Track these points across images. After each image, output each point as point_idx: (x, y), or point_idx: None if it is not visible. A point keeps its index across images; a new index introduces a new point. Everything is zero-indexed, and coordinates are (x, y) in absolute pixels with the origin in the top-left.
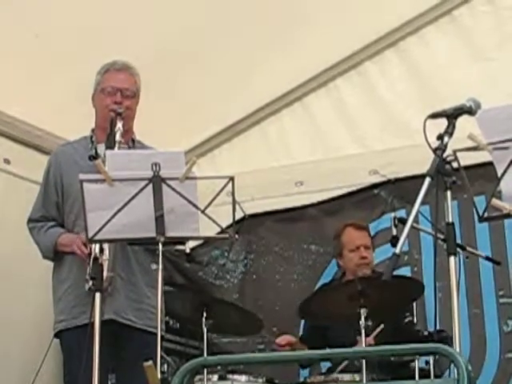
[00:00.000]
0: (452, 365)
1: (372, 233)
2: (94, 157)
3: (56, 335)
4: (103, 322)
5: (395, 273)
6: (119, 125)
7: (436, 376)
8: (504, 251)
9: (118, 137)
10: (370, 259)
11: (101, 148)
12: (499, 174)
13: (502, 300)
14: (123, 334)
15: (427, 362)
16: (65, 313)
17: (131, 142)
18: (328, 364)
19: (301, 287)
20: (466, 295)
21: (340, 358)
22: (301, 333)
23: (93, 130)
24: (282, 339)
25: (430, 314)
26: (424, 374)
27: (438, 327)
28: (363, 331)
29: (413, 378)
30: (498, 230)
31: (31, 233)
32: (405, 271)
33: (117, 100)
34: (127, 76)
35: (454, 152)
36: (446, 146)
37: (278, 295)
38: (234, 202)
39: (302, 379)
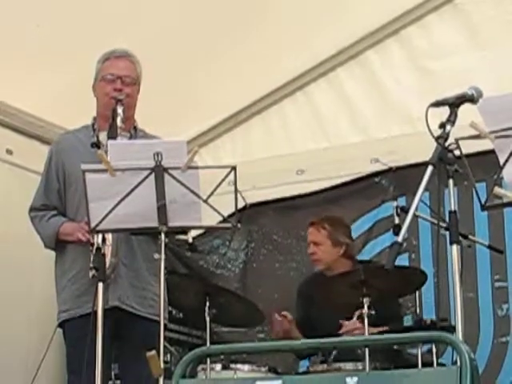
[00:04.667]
0: (455, 352)
1: (371, 222)
2: (96, 144)
3: (59, 325)
4: (107, 310)
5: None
6: (119, 110)
7: (428, 364)
8: (502, 237)
9: (119, 122)
10: (318, 255)
11: (102, 136)
12: (501, 162)
13: (497, 284)
14: (126, 322)
15: (429, 350)
16: (69, 302)
17: (133, 130)
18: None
19: (300, 275)
20: (461, 278)
21: (342, 347)
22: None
23: (94, 118)
24: (285, 312)
25: (427, 301)
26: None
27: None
28: (366, 320)
29: (408, 365)
30: (497, 217)
31: (33, 222)
32: (403, 258)
33: (117, 87)
34: (127, 63)
35: (456, 140)
36: (448, 134)
37: (278, 283)
38: (236, 192)
39: (304, 368)
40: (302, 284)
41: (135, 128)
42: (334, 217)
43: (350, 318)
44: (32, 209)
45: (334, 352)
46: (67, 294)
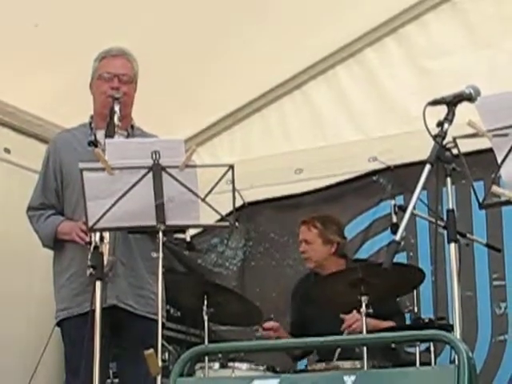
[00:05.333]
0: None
1: (369, 220)
2: (94, 143)
3: (57, 324)
4: (105, 309)
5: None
6: (116, 108)
7: (425, 363)
8: (500, 236)
9: (116, 121)
10: (309, 254)
11: (100, 134)
12: (499, 161)
13: (495, 283)
14: (124, 321)
15: (427, 349)
16: (67, 301)
17: (130, 129)
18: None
19: (296, 272)
20: (459, 277)
21: (340, 345)
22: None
23: (92, 117)
24: (271, 324)
25: (425, 299)
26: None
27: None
28: (364, 319)
29: (406, 364)
30: (495, 215)
31: (31, 221)
32: (401, 257)
33: (114, 85)
34: (124, 61)
35: (454, 139)
36: (445, 132)
37: (275, 281)
38: (234, 190)
39: (302, 367)
40: (297, 285)
41: (132, 126)
42: (326, 215)
43: (348, 313)
44: (30, 208)
45: (338, 350)
46: (65, 292)
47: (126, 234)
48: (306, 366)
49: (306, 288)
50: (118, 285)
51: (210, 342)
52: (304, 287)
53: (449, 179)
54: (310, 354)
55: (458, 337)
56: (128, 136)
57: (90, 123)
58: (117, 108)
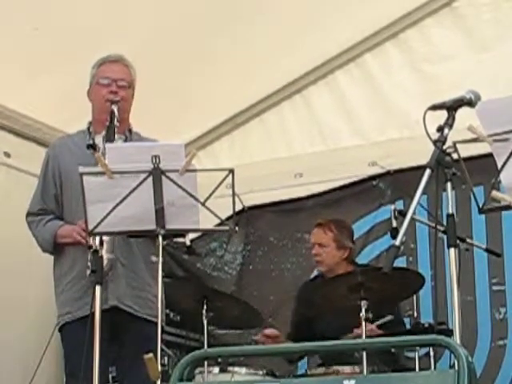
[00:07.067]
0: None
1: (369, 225)
2: (92, 145)
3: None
4: (106, 310)
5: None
6: (115, 109)
7: (425, 368)
8: (500, 240)
9: (115, 122)
10: (322, 257)
11: (98, 139)
12: (499, 166)
13: (495, 288)
14: (124, 324)
15: (427, 354)
16: (68, 306)
17: (128, 133)
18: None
19: (294, 276)
20: (459, 282)
21: (338, 350)
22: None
23: (90, 123)
24: (271, 331)
25: (424, 304)
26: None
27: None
28: (363, 323)
29: (405, 369)
30: (495, 220)
31: (30, 227)
32: (400, 261)
33: (112, 89)
34: (122, 67)
35: (454, 144)
36: (445, 137)
37: (273, 285)
38: (234, 195)
39: (302, 371)
40: (302, 288)
41: (130, 130)
42: (341, 220)
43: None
44: (29, 214)
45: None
46: (66, 297)
47: (126, 237)
48: (306, 370)
49: (309, 290)
50: (119, 286)
51: (209, 346)
52: (308, 290)
53: (449, 184)
54: (304, 357)
55: (458, 341)
56: (126, 140)
57: (89, 128)
58: (115, 108)
